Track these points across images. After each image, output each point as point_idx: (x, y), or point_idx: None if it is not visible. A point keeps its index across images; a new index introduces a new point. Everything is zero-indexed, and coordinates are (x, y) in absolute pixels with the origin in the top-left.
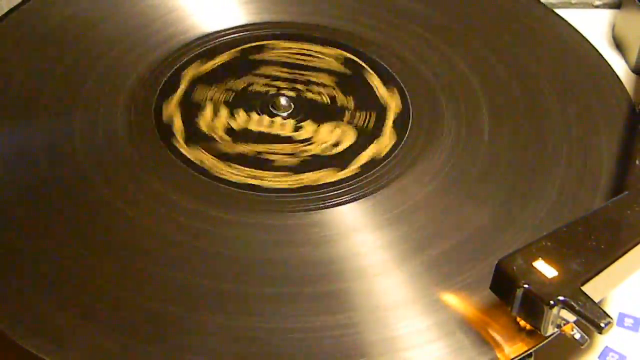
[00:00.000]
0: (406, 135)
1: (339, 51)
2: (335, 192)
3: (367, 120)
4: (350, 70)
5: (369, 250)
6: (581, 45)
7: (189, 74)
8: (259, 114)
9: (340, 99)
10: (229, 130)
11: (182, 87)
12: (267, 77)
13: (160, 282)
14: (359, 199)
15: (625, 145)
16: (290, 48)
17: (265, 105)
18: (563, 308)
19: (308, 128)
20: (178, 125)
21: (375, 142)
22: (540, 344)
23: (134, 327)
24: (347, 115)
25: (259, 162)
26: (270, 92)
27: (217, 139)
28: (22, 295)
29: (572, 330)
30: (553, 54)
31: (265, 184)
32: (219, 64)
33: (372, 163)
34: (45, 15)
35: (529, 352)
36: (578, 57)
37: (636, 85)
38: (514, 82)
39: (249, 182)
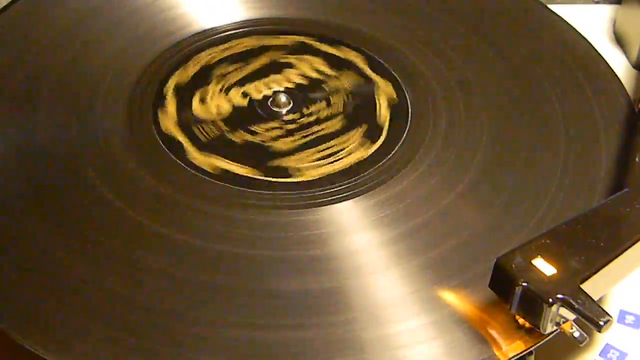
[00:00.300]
0: (404, 134)
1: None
2: (333, 190)
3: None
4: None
5: (366, 248)
6: (579, 43)
7: (188, 72)
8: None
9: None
10: (228, 125)
11: (182, 84)
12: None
13: (161, 281)
14: (356, 196)
15: (624, 143)
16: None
17: (265, 104)
18: (562, 306)
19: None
20: (176, 121)
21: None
22: (541, 343)
23: (135, 326)
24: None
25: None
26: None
27: (217, 135)
28: (23, 295)
29: (571, 329)
30: (552, 52)
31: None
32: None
33: (370, 161)
34: (40, 14)
35: (529, 350)
36: (577, 55)
37: (637, 81)
38: (512, 81)
39: (246, 179)
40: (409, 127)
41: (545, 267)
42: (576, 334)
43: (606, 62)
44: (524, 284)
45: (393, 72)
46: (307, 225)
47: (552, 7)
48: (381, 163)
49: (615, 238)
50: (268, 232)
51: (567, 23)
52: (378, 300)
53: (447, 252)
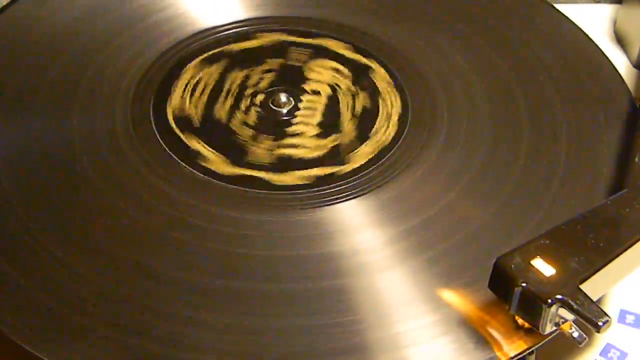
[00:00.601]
0: (405, 133)
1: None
2: (337, 189)
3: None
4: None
5: (368, 249)
6: (582, 41)
7: (189, 71)
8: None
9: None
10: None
11: (182, 83)
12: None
13: (161, 280)
14: (361, 195)
15: (625, 142)
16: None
17: (265, 101)
18: (561, 307)
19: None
20: (178, 121)
21: (374, 139)
22: (541, 343)
23: (136, 326)
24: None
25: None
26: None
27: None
28: (23, 295)
29: (571, 329)
30: (554, 50)
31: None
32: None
33: (372, 160)
34: (40, 13)
35: (530, 350)
36: (579, 53)
37: (637, 80)
38: (514, 79)
39: (251, 179)
40: (409, 127)
41: (544, 267)
42: (575, 335)
43: (608, 59)
44: (523, 284)
45: (395, 72)
46: (309, 225)
47: (554, 6)
48: (383, 163)
49: (615, 239)
50: (270, 232)
51: (570, 21)
52: (380, 301)
53: (448, 252)
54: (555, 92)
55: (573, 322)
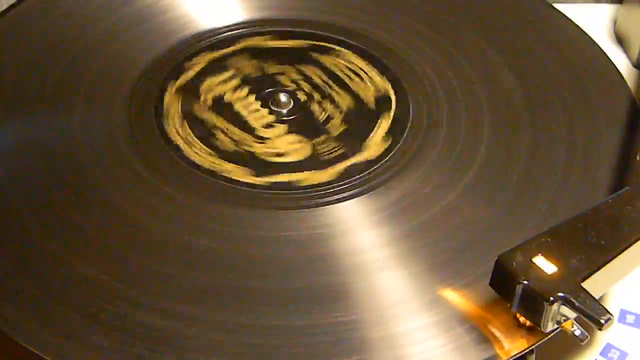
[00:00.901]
0: (406, 133)
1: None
2: (336, 190)
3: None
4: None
5: (367, 248)
6: (582, 40)
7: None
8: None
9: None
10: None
11: (181, 81)
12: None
13: (162, 280)
14: (358, 196)
15: (626, 141)
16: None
17: (266, 99)
18: (563, 304)
19: (276, 131)
20: (178, 120)
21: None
22: (542, 341)
23: (137, 327)
24: (324, 137)
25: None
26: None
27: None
28: (23, 295)
29: (572, 327)
30: (554, 49)
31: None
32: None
33: (372, 160)
34: (43, 12)
35: (530, 348)
36: (579, 53)
37: (638, 80)
38: (514, 79)
39: (249, 180)
40: (409, 127)
41: (546, 265)
42: (577, 332)
43: (608, 58)
44: (525, 282)
45: (394, 72)
46: (309, 225)
47: (554, 6)
48: (383, 163)
49: (616, 236)
50: (269, 232)
51: (570, 20)
52: (380, 300)
53: (449, 251)
54: (556, 92)
55: (575, 320)
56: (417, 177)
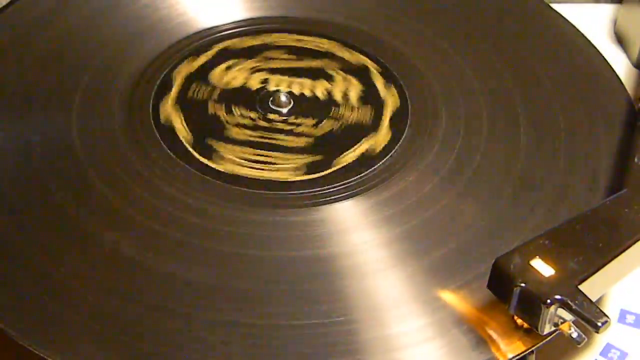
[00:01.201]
0: (404, 133)
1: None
2: (333, 189)
3: (364, 114)
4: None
5: (365, 249)
6: (579, 42)
7: (186, 69)
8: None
9: (337, 94)
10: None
11: (180, 81)
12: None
13: (162, 280)
14: (356, 195)
15: (624, 143)
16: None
17: (265, 101)
18: (560, 307)
19: (307, 123)
20: (176, 120)
21: (370, 137)
22: (541, 344)
23: (137, 327)
24: (342, 109)
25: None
26: (267, 88)
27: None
28: (23, 295)
29: (570, 329)
30: (552, 50)
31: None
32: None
33: (370, 159)
34: (40, 13)
35: (527, 351)
36: (577, 54)
37: (637, 80)
38: (512, 80)
39: (246, 179)
40: (408, 127)
41: (543, 267)
42: (574, 335)
43: (606, 61)
44: (522, 284)
45: (394, 72)
46: (306, 225)
47: (553, 6)
48: (381, 162)
49: (614, 239)
50: (267, 232)
51: (568, 22)
52: (378, 301)
53: (447, 252)
54: (554, 93)
55: (572, 322)
56: (415, 178)
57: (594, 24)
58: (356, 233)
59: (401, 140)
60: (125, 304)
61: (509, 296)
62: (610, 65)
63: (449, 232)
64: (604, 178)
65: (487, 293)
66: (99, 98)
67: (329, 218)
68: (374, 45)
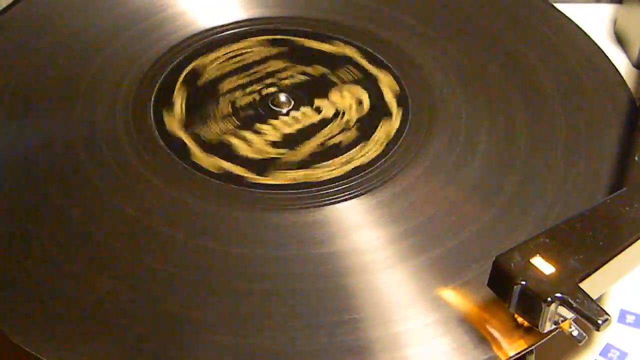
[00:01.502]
0: (404, 133)
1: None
2: (337, 189)
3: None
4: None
5: (370, 248)
6: (581, 40)
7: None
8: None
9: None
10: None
11: (180, 81)
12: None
13: (162, 280)
14: (358, 196)
15: (625, 141)
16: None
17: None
18: (561, 305)
19: (324, 103)
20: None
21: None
22: (541, 342)
23: (137, 327)
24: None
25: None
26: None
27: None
28: (23, 295)
29: (570, 327)
30: (553, 48)
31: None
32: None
33: (371, 160)
34: (40, 13)
35: (528, 349)
36: (578, 51)
37: (638, 80)
38: (514, 79)
39: (247, 179)
40: (409, 127)
41: (544, 265)
42: (575, 333)
43: (607, 58)
44: (523, 282)
45: (395, 71)
46: (310, 225)
47: (554, 5)
48: (382, 162)
49: (614, 237)
50: (270, 232)
51: (569, 19)
52: (380, 300)
53: (448, 251)
54: (555, 92)
55: (573, 320)
56: (417, 177)
57: (594, 24)
58: (359, 233)
59: (402, 141)
60: (125, 305)
61: (509, 294)
62: (612, 64)
63: (450, 231)
64: (604, 176)
65: (488, 291)
66: (101, 98)
67: (333, 218)
68: (372, 40)
